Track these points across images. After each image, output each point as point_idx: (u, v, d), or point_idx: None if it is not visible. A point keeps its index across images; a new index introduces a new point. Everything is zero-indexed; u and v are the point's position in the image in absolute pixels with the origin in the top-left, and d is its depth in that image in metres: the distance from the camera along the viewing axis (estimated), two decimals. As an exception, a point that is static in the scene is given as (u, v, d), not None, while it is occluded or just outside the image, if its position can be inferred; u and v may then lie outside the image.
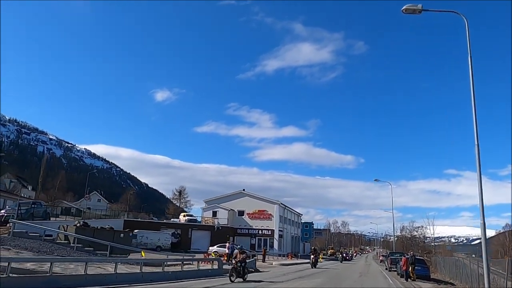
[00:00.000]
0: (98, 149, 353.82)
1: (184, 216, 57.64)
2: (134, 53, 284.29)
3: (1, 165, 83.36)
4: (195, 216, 58.75)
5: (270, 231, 59.43)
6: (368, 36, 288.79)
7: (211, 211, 59.57)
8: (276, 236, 59.27)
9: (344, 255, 61.07)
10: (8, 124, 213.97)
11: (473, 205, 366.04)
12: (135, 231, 45.20)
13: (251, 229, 59.99)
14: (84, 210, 61.84)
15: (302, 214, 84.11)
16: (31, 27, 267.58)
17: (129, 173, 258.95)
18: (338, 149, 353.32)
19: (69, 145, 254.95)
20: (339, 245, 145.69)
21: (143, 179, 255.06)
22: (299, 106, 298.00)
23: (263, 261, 37.50)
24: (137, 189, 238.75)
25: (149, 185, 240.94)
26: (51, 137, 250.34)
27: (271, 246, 58.87)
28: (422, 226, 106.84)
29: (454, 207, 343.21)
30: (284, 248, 62.67)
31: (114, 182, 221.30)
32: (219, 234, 54.47)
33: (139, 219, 55.14)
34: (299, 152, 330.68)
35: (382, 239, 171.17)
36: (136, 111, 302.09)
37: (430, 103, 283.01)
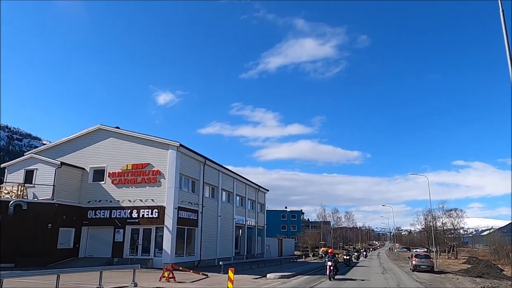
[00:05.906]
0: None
1: None
2: (134, 56, 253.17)
3: None
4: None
5: (155, 210, 22.68)
6: (371, 29, 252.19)
7: (22, 171, 23.32)
8: (169, 222, 22.32)
9: None
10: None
11: (482, 196, 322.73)
12: None
13: (118, 208, 23.42)
14: None
15: (268, 190, 42.30)
16: (30, 29, 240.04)
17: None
18: (344, 145, 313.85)
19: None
20: (343, 240, 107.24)
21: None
22: (303, 103, 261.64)
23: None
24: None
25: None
26: (44, 142, 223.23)
27: (159, 247, 22.18)
28: (457, 209, 68.71)
29: (464, 198, 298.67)
30: (201, 251, 25.92)
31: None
32: (25, 224, 18.83)
33: None
34: (305, 150, 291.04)
35: (391, 234, 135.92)
36: (140, 115, 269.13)
37: (436, 95, 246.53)
